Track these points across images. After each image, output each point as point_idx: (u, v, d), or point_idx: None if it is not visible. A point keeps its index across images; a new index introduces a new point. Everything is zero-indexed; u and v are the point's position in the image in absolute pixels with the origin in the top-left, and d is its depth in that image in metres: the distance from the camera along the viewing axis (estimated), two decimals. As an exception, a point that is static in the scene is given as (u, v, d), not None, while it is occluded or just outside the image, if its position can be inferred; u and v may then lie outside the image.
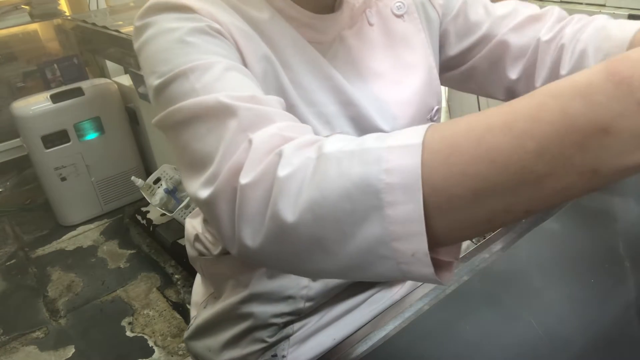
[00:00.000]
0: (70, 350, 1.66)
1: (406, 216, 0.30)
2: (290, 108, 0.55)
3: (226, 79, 0.45)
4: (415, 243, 0.31)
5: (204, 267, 0.75)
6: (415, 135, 0.31)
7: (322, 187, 0.33)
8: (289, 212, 0.34)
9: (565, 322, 0.51)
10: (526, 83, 0.67)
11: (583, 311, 0.52)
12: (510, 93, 0.70)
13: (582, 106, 0.26)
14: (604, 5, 1.68)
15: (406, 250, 0.31)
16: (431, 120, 0.67)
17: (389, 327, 0.54)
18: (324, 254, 0.34)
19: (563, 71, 0.62)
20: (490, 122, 0.29)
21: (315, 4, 0.57)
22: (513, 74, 0.67)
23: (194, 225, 0.78)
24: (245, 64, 0.51)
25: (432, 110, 0.67)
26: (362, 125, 0.61)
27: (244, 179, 0.37)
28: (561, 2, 1.82)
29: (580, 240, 0.64)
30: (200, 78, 0.44)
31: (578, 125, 0.26)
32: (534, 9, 0.67)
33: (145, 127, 2.27)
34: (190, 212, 1.93)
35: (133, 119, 2.31)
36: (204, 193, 0.40)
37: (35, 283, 2.00)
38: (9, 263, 2.14)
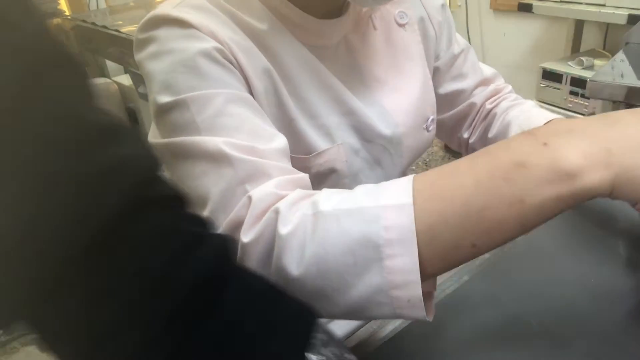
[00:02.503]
0: (70, 350, 1.66)
1: (403, 267, 0.35)
2: (290, 122, 0.56)
3: (227, 115, 0.46)
4: (411, 290, 0.36)
5: None
6: (405, 193, 0.37)
7: (325, 244, 0.37)
8: (294, 267, 0.38)
9: (565, 322, 0.51)
10: (468, 140, 0.79)
11: (583, 311, 0.53)
12: (460, 146, 0.81)
13: (504, 150, 0.36)
14: (604, 5, 1.68)
15: (403, 297, 0.36)
16: (427, 130, 0.68)
17: (389, 328, 0.54)
18: (326, 302, 0.38)
19: (490, 134, 0.73)
20: (441, 171, 0.38)
21: (321, 9, 0.57)
22: (466, 132, 0.78)
23: None
24: (246, 80, 0.51)
25: (428, 119, 0.68)
26: (363, 134, 0.61)
27: (245, 237, 0.40)
28: (561, 1, 1.82)
29: (580, 240, 0.64)
30: (202, 111, 0.46)
31: (502, 163, 0.35)
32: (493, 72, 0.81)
33: (146, 126, 2.27)
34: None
35: (133, 118, 2.31)
36: None
37: (35, 283, 2.00)
38: (8, 263, 2.14)
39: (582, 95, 1.69)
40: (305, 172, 0.54)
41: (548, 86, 1.81)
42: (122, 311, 0.23)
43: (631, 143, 0.34)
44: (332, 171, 0.60)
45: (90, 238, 0.22)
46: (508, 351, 0.49)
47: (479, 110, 0.77)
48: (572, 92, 1.74)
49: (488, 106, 0.76)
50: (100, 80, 2.29)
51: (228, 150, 0.44)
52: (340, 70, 0.59)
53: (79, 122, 0.24)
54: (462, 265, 0.62)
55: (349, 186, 0.62)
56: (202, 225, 0.30)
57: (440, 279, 0.61)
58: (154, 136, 0.51)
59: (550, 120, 0.35)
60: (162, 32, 0.50)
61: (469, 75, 0.76)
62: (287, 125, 0.55)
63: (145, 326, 0.24)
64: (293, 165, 0.50)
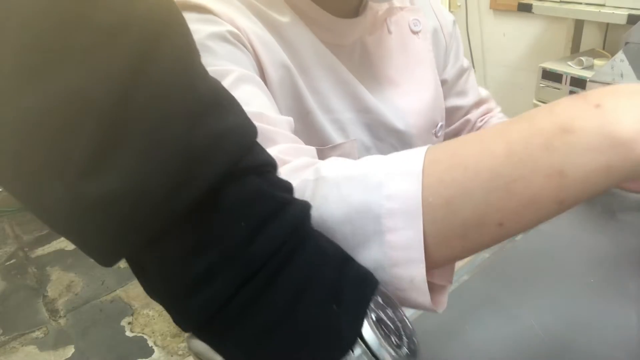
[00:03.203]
0: (70, 350, 1.66)
1: (406, 242, 0.31)
2: (307, 115, 0.56)
3: (238, 90, 0.45)
4: (414, 269, 0.31)
5: None
6: (415, 160, 0.32)
7: (322, 210, 0.34)
8: None
9: (566, 322, 0.51)
10: None
11: (583, 311, 0.53)
12: None
13: (545, 113, 0.30)
14: (603, 5, 1.68)
15: (405, 276, 0.31)
16: (435, 135, 0.69)
17: (389, 327, 0.54)
18: None
19: None
20: (464, 139, 0.32)
21: (338, 8, 0.57)
22: None
23: None
24: (262, 71, 0.51)
25: (437, 125, 0.69)
26: (376, 132, 0.62)
27: None
28: (561, 1, 1.82)
29: (580, 240, 0.64)
30: None
31: (541, 128, 0.29)
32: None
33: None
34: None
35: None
36: None
37: (35, 283, 2.00)
38: (8, 263, 2.14)
39: (582, 95, 1.69)
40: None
41: (548, 86, 1.81)
42: (214, 263, 0.27)
43: None
44: None
45: (195, 197, 0.25)
46: (508, 351, 0.49)
47: (472, 127, 0.80)
48: (571, 92, 1.74)
49: (479, 124, 0.80)
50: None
51: None
52: (355, 69, 0.60)
53: (191, 92, 0.26)
54: (461, 265, 0.62)
55: None
56: (289, 190, 0.32)
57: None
58: None
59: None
60: None
61: (469, 93, 0.78)
62: (303, 117, 0.56)
63: (231, 278, 0.27)
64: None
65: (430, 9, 0.70)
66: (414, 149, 0.34)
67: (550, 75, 1.79)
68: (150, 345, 1.64)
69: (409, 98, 0.64)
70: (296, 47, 0.55)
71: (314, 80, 0.56)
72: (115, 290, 1.90)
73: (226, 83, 0.45)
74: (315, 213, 0.34)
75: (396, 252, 0.31)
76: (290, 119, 0.48)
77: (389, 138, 0.63)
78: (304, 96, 0.55)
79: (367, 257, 0.32)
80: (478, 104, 0.80)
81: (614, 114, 0.28)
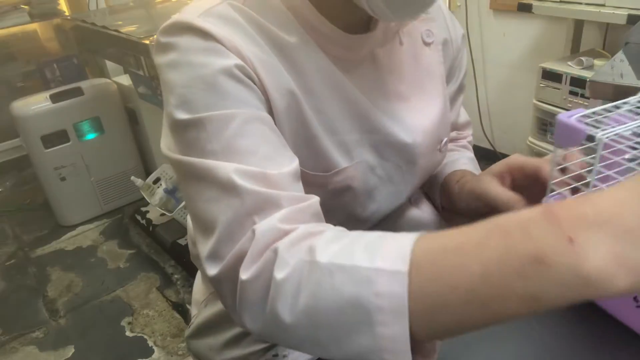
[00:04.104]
0: (70, 350, 1.66)
1: (394, 336, 0.34)
2: (312, 139, 0.55)
3: (243, 136, 0.46)
4: (401, 357, 0.35)
5: None
6: (401, 259, 0.35)
7: (317, 297, 0.37)
8: (287, 314, 0.39)
9: (566, 322, 0.51)
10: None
11: (583, 311, 0.52)
12: None
13: (521, 237, 0.31)
14: (603, 5, 1.68)
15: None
16: (440, 150, 0.68)
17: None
18: (319, 348, 0.39)
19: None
20: (445, 245, 0.34)
21: (350, 24, 0.56)
22: None
23: None
24: (268, 100, 0.51)
25: (442, 141, 0.68)
26: (382, 151, 0.61)
27: (244, 274, 0.41)
28: (561, 1, 1.82)
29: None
30: (218, 133, 0.46)
31: (517, 254, 0.30)
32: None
33: (145, 126, 2.27)
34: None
35: (133, 118, 2.31)
36: (210, 270, 0.45)
37: (34, 283, 2.00)
38: (8, 263, 2.14)
39: (582, 95, 1.69)
40: (321, 189, 0.54)
41: (548, 86, 1.81)
42: None
43: None
44: (348, 188, 0.59)
45: None
46: (508, 351, 0.49)
47: None
48: (571, 92, 1.74)
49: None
50: (99, 80, 2.29)
51: (238, 180, 0.44)
52: (363, 84, 0.58)
53: None
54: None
55: (363, 202, 0.63)
56: None
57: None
58: (167, 146, 0.51)
59: (581, 194, 0.31)
60: (184, 41, 0.49)
61: (455, 114, 0.77)
62: (308, 143, 0.55)
63: None
64: (310, 182, 0.50)
65: (444, 19, 0.68)
66: (403, 238, 0.37)
67: (550, 75, 1.79)
68: (150, 345, 1.64)
69: (417, 114, 0.63)
70: (303, 68, 0.54)
71: (319, 102, 0.55)
72: (115, 290, 1.90)
73: (233, 128, 0.46)
74: (309, 297, 0.38)
75: (386, 342, 0.35)
76: (295, 163, 0.49)
77: (393, 157, 0.62)
78: (309, 121, 0.54)
79: (360, 342, 0.36)
80: (454, 127, 0.79)
81: (585, 251, 0.28)
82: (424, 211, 0.73)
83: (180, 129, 0.48)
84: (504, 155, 2.32)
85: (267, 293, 0.40)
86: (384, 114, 0.60)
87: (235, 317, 0.45)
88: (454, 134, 0.79)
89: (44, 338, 1.73)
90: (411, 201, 0.72)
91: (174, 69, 0.49)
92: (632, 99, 0.52)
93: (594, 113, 0.48)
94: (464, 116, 0.82)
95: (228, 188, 0.44)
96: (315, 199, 0.47)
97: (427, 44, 0.65)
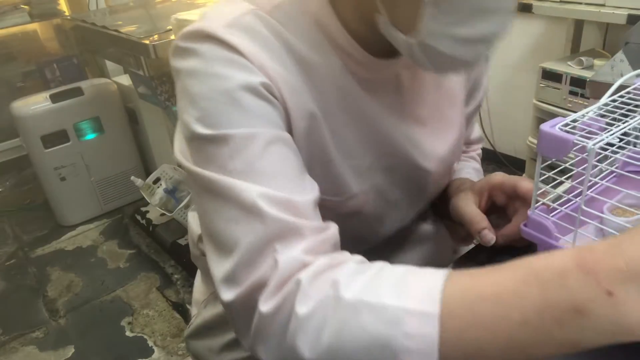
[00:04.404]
0: (70, 350, 1.66)
1: None
2: (328, 163, 0.54)
3: (266, 158, 0.45)
4: None
5: (206, 267, 0.75)
6: (432, 300, 0.34)
7: (341, 336, 0.36)
8: (307, 350, 0.37)
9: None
10: None
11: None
12: None
13: (558, 287, 0.31)
14: (603, 5, 1.68)
15: None
16: (449, 175, 0.68)
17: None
18: None
19: None
20: (481, 292, 0.34)
21: (380, 49, 0.53)
22: None
23: (197, 221, 0.77)
24: (289, 122, 0.50)
25: (453, 167, 0.68)
26: (394, 177, 0.60)
27: (263, 306, 0.40)
28: (561, 1, 1.82)
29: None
30: (240, 151, 0.44)
31: (556, 304, 0.31)
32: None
33: (145, 126, 2.26)
34: (191, 210, 1.93)
35: (133, 118, 2.31)
36: (225, 294, 0.43)
37: (34, 283, 2.00)
38: (8, 263, 2.14)
39: (582, 95, 1.69)
40: (331, 212, 0.53)
41: (548, 86, 1.81)
42: None
43: None
44: (358, 213, 0.59)
45: None
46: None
47: None
48: (571, 92, 1.74)
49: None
50: (99, 80, 2.29)
51: (263, 205, 0.42)
52: (384, 106, 0.57)
53: None
54: (461, 266, 0.62)
55: (370, 226, 0.63)
56: None
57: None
58: (182, 153, 0.49)
59: (614, 241, 0.31)
60: (208, 50, 0.47)
61: (470, 131, 0.77)
62: (323, 166, 0.54)
63: None
64: (321, 207, 0.49)
65: None
66: (432, 275, 0.37)
67: (550, 75, 1.79)
68: (150, 345, 1.64)
69: (435, 140, 0.62)
70: (325, 89, 0.52)
71: (338, 125, 0.54)
72: (115, 290, 1.90)
73: (256, 148, 0.45)
74: (333, 335, 0.36)
75: None
76: (317, 190, 0.48)
77: (405, 182, 0.62)
78: (327, 144, 0.53)
79: None
80: (465, 141, 0.79)
81: (625, 306, 0.29)
82: (429, 224, 0.72)
83: (201, 141, 0.46)
84: (504, 155, 2.33)
85: (286, 327, 0.39)
86: (402, 137, 0.59)
87: (246, 344, 0.44)
88: (463, 147, 0.79)
89: (44, 338, 1.73)
90: (417, 216, 0.71)
91: (195, 78, 0.47)
92: (600, 102, 0.52)
93: (573, 120, 0.48)
94: (476, 132, 0.81)
95: (252, 211, 0.42)
96: (334, 229, 0.46)
97: None
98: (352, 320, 0.36)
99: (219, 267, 0.44)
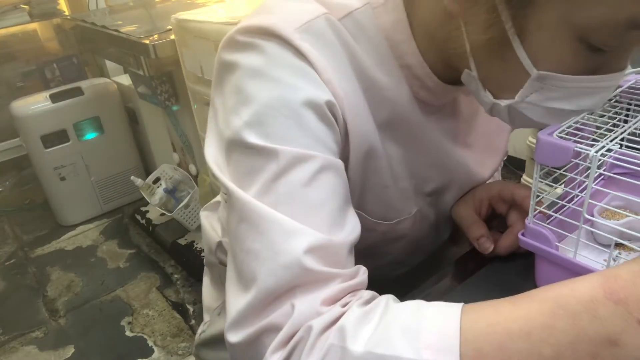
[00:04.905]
0: (70, 350, 1.66)
1: None
2: (382, 189, 0.53)
3: (315, 185, 0.41)
4: None
5: (222, 276, 0.73)
6: (449, 349, 0.32)
7: None
8: None
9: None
10: None
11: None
12: None
13: (590, 319, 0.31)
14: (603, 5, 1.67)
15: None
16: None
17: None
18: None
19: None
20: (509, 328, 0.32)
21: (449, 76, 0.50)
22: None
23: (213, 226, 0.72)
24: (347, 143, 0.47)
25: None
26: (437, 200, 0.61)
27: (272, 356, 0.36)
28: (561, 1, 1.82)
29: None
30: (288, 174, 0.40)
31: (588, 336, 0.30)
32: None
33: (145, 126, 2.26)
34: (189, 211, 1.93)
35: (132, 118, 2.31)
36: (231, 337, 0.39)
37: (34, 283, 2.00)
38: (8, 263, 2.14)
39: (582, 95, 1.69)
40: (379, 235, 0.53)
41: (548, 86, 1.81)
42: None
43: None
44: (404, 237, 0.59)
45: None
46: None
47: None
48: (571, 92, 1.73)
49: None
50: (99, 80, 2.29)
51: (308, 264, 0.38)
52: (442, 130, 0.56)
53: None
54: (461, 266, 0.62)
55: (410, 249, 0.62)
56: None
57: (439, 278, 0.61)
58: (216, 161, 0.45)
59: (636, 267, 0.31)
60: (274, 49, 0.43)
61: None
62: (377, 191, 0.53)
63: None
64: (369, 227, 0.47)
65: None
66: (438, 318, 0.34)
67: (550, 75, 1.79)
68: (150, 345, 1.64)
69: (479, 166, 0.62)
70: (387, 109, 0.50)
71: (396, 148, 0.53)
72: (115, 290, 1.90)
73: (306, 173, 0.41)
74: None
75: None
76: (357, 230, 0.44)
77: (444, 204, 0.62)
78: (383, 170, 0.51)
79: None
80: None
81: None
82: (460, 247, 0.72)
83: (246, 151, 0.42)
84: (504, 155, 2.32)
85: None
86: (454, 161, 0.59)
87: None
88: None
89: (44, 338, 1.72)
90: (449, 239, 0.71)
91: (255, 77, 0.43)
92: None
93: (569, 127, 0.48)
94: None
95: (291, 265, 0.38)
96: (364, 275, 0.43)
97: None
98: None
99: (234, 296, 0.40)
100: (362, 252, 0.54)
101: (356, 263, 0.45)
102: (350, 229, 0.43)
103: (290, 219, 0.39)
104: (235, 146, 0.43)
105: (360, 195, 0.51)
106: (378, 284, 0.68)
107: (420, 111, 0.52)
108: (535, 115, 0.43)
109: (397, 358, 0.33)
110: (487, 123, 0.61)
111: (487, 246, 0.58)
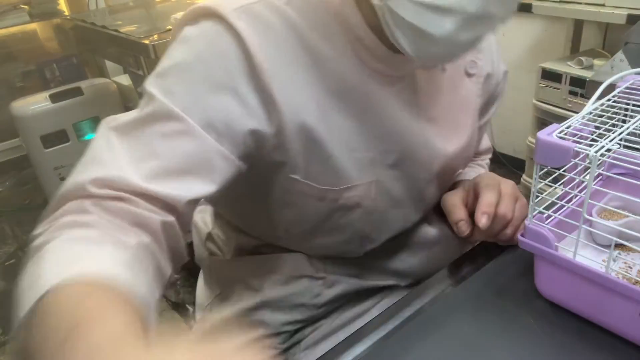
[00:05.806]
0: (70, 350, 1.66)
1: None
2: (327, 158, 0.55)
3: (162, 142, 0.48)
4: None
5: (213, 268, 0.74)
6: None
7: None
8: None
9: (565, 322, 0.51)
10: None
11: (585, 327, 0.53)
12: None
13: None
14: (603, 5, 1.68)
15: None
16: (452, 180, 0.69)
17: (388, 327, 0.54)
18: None
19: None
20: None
21: (394, 47, 0.51)
22: None
23: (205, 220, 0.76)
24: (278, 118, 0.51)
25: (457, 172, 0.69)
26: (397, 175, 0.61)
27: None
28: (561, 1, 1.82)
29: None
30: (154, 124, 0.50)
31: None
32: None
33: (145, 126, 2.26)
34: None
35: (132, 118, 2.31)
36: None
37: (34, 283, 2.00)
38: (8, 263, 2.14)
39: (582, 95, 1.69)
40: (330, 204, 0.55)
41: (547, 86, 1.81)
42: None
43: None
44: (357, 206, 0.59)
45: None
46: (508, 352, 0.49)
47: None
48: (571, 92, 1.74)
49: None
50: (99, 80, 2.29)
51: (90, 189, 0.48)
52: (398, 101, 0.57)
53: None
54: (460, 266, 0.63)
55: (372, 223, 0.63)
56: None
57: (440, 278, 0.61)
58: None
59: None
60: (208, 25, 0.50)
61: (480, 142, 0.77)
62: (322, 161, 0.55)
63: None
64: (319, 196, 0.51)
65: (491, 53, 0.67)
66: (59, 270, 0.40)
67: (550, 75, 1.79)
68: (150, 345, 1.64)
69: (443, 141, 0.62)
70: (334, 82, 0.53)
71: (343, 118, 0.54)
72: (115, 290, 1.90)
73: (168, 128, 0.48)
74: None
75: None
76: (188, 195, 0.48)
77: (408, 181, 0.62)
78: (326, 140, 0.54)
79: None
80: (474, 151, 0.79)
81: None
82: (434, 228, 0.72)
83: (145, 94, 0.51)
84: (504, 155, 2.33)
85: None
86: (413, 134, 0.59)
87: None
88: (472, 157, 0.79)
89: (43, 338, 1.72)
90: (422, 219, 0.72)
91: (182, 44, 0.52)
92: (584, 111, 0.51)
93: (568, 127, 0.48)
94: (485, 143, 0.82)
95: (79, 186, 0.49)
96: (152, 221, 0.48)
97: (469, 75, 0.64)
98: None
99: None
100: (322, 226, 0.60)
101: (320, 239, 0.56)
102: (177, 191, 0.47)
103: (124, 153, 0.48)
104: (144, 88, 0.52)
105: (306, 164, 0.54)
106: (352, 260, 0.68)
107: (376, 83, 0.55)
108: (410, 16, 0.44)
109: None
110: (450, 100, 0.63)
111: (463, 229, 0.61)
